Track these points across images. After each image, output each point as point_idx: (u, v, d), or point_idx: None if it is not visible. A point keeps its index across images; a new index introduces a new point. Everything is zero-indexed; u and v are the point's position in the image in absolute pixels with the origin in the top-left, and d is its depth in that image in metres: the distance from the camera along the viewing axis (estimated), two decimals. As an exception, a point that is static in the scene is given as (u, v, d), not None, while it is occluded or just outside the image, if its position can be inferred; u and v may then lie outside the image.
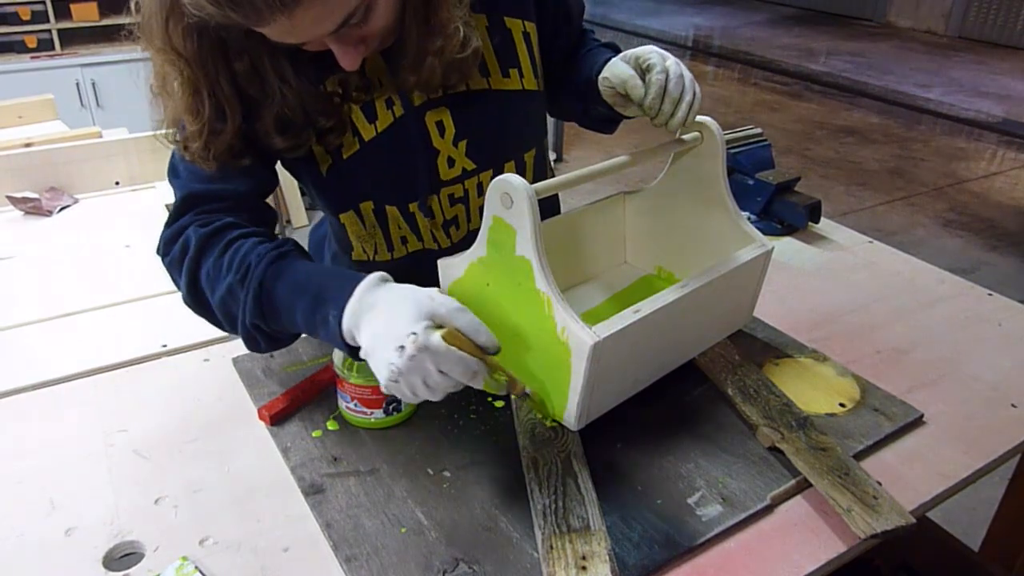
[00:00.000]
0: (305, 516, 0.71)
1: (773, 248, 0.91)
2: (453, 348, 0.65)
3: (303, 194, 2.96)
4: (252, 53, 0.77)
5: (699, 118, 0.92)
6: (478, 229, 0.78)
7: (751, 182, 1.25)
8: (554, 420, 0.80)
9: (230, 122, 0.78)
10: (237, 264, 0.76)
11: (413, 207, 0.92)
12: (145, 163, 1.41)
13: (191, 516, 0.72)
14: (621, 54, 0.89)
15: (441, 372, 0.65)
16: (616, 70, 0.86)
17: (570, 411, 0.78)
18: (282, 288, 0.74)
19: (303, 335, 0.81)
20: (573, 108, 1.04)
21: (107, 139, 1.44)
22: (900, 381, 0.90)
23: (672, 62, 0.84)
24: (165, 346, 0.96)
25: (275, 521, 0.71)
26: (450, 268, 0.85)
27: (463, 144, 0.91)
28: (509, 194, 0.74)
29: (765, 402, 0.83)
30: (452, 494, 0.73)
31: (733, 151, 1.26)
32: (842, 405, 0.85)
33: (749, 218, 1.26)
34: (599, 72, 0.89)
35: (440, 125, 0.89)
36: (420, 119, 0.88)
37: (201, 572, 0.65)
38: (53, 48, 2.68)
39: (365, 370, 0.78)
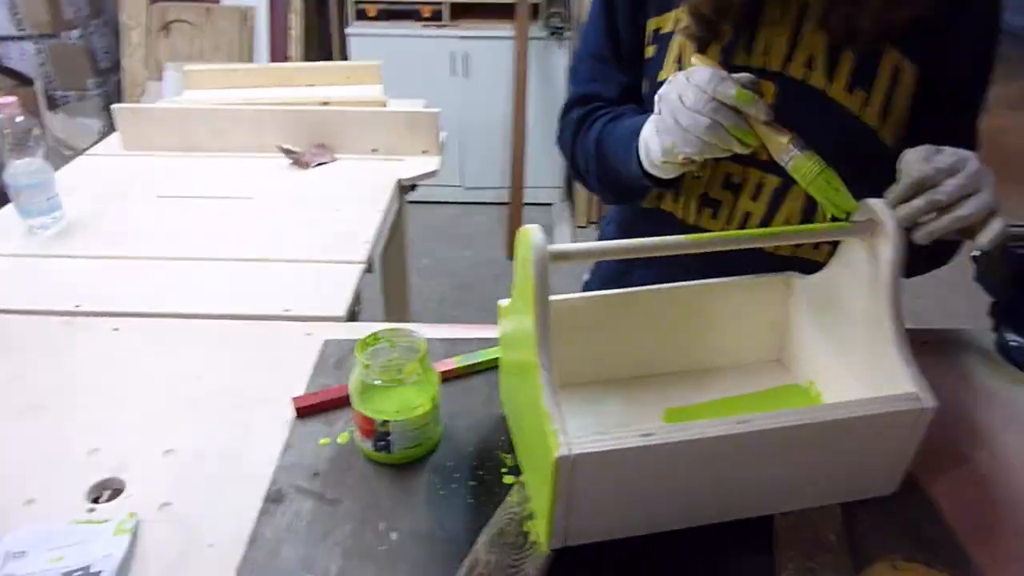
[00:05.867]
0: (251, 519, 0.70)
1: (933, 408, 0.63)
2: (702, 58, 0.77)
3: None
4: None
5: (870, 200, 0.67)
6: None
7: (1036, 298, 0.89)
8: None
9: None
10: (592, 134, 0.96)
11: None
12: (402, 136, 1.50)
13: (177, 478, 0.74)
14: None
15: (690, 82, 0.73)
16: (911, 150, 0.72)
17: (542, 525, 0.64)
18: (611, 143, 0.91)
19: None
20: None
21: (384, 109, 1.56)
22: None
23: (974, 167, 0.69)
24: (288, 310, 1.02)
25: (227, 512, 0.70)
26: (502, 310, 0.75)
27: None
28: (524, 250, 0.62)
29: (820, 616, 0.59)
30: (380, 561, 0.65)
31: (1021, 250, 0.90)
32: (952, 671, 0.56)
33: (1021, 348, 0.91)
34: None
35: None
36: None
37: (134, 535, 0.68)
38: (442, 19, 3.01)
39: (369, 399, 0.73)
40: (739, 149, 0.73)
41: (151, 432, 0.80)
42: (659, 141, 0.78)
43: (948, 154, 0.69)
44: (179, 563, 0.65)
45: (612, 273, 1.09)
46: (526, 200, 3.17)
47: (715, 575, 0.63)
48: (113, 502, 0.72)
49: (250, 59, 3.19)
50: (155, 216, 1.30)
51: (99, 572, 0.63)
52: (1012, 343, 0.92)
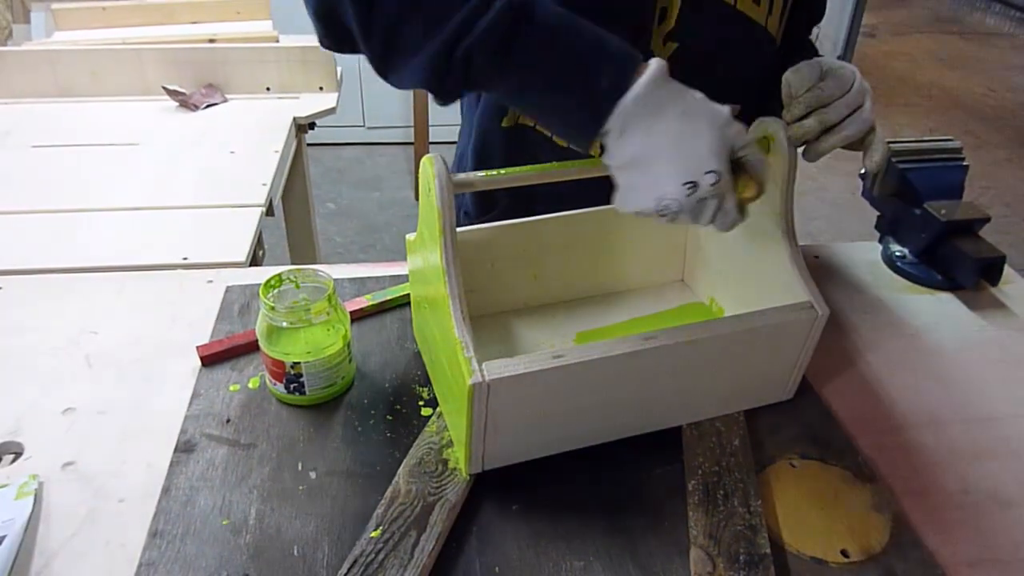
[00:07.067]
0: (163, 471, 0.68)
1: (826, 315, 0.67)
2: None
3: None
4: None
5: (766, 119, 0.69)
6: None
7: (917, 212, 0.94)
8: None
9: None
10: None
11: None
12: (296, 72, 1.44)
13: (77, 436, 0.71)
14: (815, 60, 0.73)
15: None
16: (797, 68, 0.72)
17: (460, 452, 0.65)
18: (532, 29, 0.56)
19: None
20: None
21: (276, 45, 1.49)
22: (968, 545, 0.63)
23: (859, 85, 0.70)
24: (186, 259, 0.98)
25: (135, 467, 0.68)
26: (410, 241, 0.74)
27: (672, 47, 0.82)
28: (427, 179, 0.61)
29: (726, 515, 0.62)
30: (299, 501, 0.65)
31: (905, 166, 0.95)
32: (844, 554, 0.61)
33: (904, 258, 0.96)
34: None
35: (663, 11, 0.81)
36: None
37: (36, 497, 0.65)
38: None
39: (277, 342, 0.71)
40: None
41: (47, 392, 0.76)
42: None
43: (836, 72, 0.71)
44: (88, 520, 0.63)
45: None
46: (432, 139, 3.12)
47: (629, 486, 0.66)
48: (12, 466, 0.69)
49: (126, -4, 2.97)
50: (31, 167, 1.22)
51: (2, 537, 0.60)
52: (896, 253, 0.98)
